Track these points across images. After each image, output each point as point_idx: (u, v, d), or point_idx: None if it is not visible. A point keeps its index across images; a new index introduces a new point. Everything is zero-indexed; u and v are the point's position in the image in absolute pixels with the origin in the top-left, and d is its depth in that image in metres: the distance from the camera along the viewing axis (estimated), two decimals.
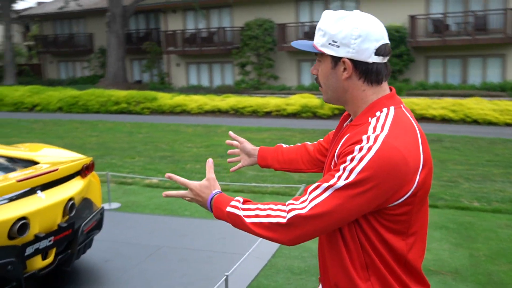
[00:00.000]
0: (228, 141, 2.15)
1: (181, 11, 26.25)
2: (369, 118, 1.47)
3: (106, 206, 5.93)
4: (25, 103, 17.74)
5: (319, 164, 2.00)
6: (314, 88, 21.72)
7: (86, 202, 4.09)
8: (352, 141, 1.42)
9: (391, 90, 1.55)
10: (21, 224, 3.24)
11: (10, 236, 3.21)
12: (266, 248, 4.50)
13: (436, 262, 4.28)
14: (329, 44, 1.48)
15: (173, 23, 26.56)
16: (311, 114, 15.41)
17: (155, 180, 7.18)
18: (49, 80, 29.98)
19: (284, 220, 1.43)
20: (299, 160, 2.04)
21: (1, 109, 17.88)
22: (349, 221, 1.43)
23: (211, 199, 1.59)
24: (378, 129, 1.42)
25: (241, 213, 1.50)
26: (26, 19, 33.41)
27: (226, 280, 3.23)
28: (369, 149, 1.37)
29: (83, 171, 4.02)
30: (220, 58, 24.91)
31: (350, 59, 1.46)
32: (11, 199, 3.33)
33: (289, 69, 23.48)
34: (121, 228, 5.20)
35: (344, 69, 1.48)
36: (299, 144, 2.10)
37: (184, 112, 16.65)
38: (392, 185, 1.37)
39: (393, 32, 19.57)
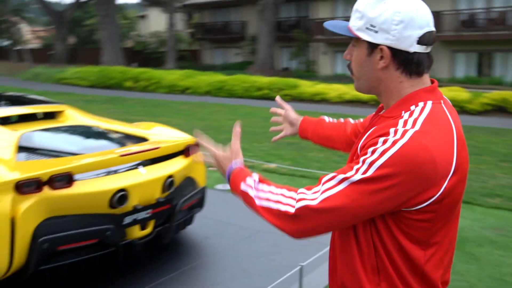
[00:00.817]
0: (273, 109, 2.09)
1: None
2: (403, 112, 1.33)
3: (220, 186, 6.21)
4: (178, 86, 19.13)
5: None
6: (467, 81, 20.23)
7: (189, 181, 4.32)
8: (378, 133, 1.31)
9: (432, 82, 1.40)
10: (121, 195, 3.55)
11: (111, 205, 3.53)
12: None
13: None
14: (366, 28, 1.34)
15: (323, 11, 26.52)
16: (459, 108, 14.37)
17: (273, 165, 7.32)
18: (204, 65, 31.91)
19: (292, 210, 1.33)
20: (335, 138, 1.93)
21: (158, 90, 19.50)
22: (362, 220, 1.33)
23: (230, 172, 1.54)
24: (409, 124, 1.28)
25: (253, 193, 1.42)
26: (188, 8, 35.81)
27: (301, 270, 3.21)
28: (394, 143, 1.24)
29: (187, 151, 4.25)
30: None
31: (389, 47, 1.32)
32: (113, 172, 3.66)
33: (441, 60, 22.11)
34: (228, 208, 5.41)
35: (381, 57, 1.34)
36: (342, 120, 1.98)
37: (324, 100, 16.62)
38: (414, 187, 1.24)
39: None
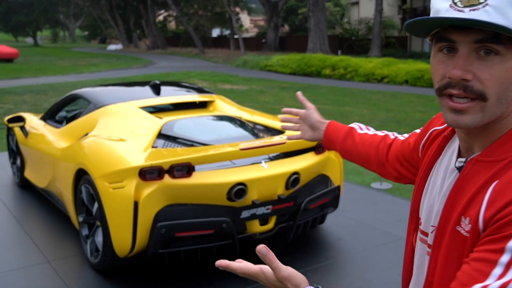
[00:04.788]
0: (285, 109, 1.70)
1: None
2: None
3: (377, 185, 5.83)
4: (375, 75, 18.59)
5: (394, 174, 1.46)
6: None
7: (321, 179, 4.14)
8: (507, 199, 0.88)
9: None
10: (239, 189, 3.56)
11: (228, 198, 3.56)
12: None
13: None
14: None
15: None
16: None
17: None
18: (412, 52, 30.44)
19: None
20: (372, 160, 1.51)
21: (355, 79, 19.23)
22: None
23: None
24: None
25: None
26: None
27: None
28: None
29: (318, 147, 4.07)
30: None
31: None
32: (234, 165, 3.68)
33: None
34: (374, 209, 5.05)
35: None
36: (379, 134, 1.54)
37: None
38: None
39: None
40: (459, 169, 1.03)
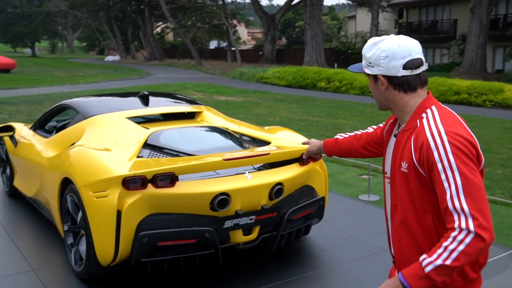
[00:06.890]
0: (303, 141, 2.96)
1: None
2: (418, 121, 1.81)
3: (365, 197, 5.86)
4: None
5: (373, 151, 2.39)
6: None
7: (306, 190, 4.17)
8: (420, 143, 1.74)
9: (428, 93, 1.89)
10: (222, 199, 3.58)
11: (212, 208, 3.58)
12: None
13: None
14: (367, 65, 1.90)
15: None
16: None
17: None
18: None
19: (472, 234, 1.61)
20: (352, 151, 2.48)
21: (350, 92, 19.31)
22: None
23: (403, 278, 1.69)
24: (433, 125, 1.74)
25: (440, 261, 1.62)
26: (395, 7, 34.75)
27: None
28: (442, 141, 1.69)
29: (302, 159, 4.09)
30: None
31: (383, 75, 1.85)
32: (218, 175, 3.70)
33: None
34: (360, 221, 5.07)
35: (382, 83, 1.87)
36: (355, 133, 2.47)
37: None
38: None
39: None
40: (395, 136, 1.95)
